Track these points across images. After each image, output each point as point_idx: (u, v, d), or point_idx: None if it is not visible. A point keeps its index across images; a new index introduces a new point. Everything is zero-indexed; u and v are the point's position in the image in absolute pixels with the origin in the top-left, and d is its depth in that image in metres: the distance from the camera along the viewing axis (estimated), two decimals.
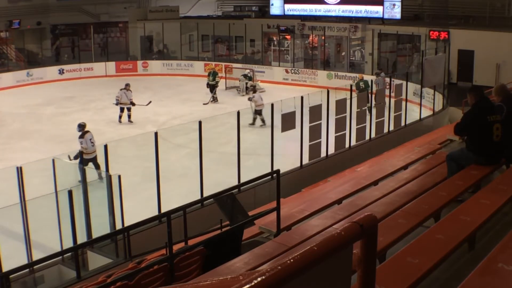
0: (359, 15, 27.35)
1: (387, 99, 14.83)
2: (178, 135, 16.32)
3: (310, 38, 28.92)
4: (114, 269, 6.68)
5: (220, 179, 11.24)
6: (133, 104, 19.33)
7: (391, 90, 15.41)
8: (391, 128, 15.05)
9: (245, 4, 34.70)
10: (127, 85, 19.67)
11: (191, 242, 6.05)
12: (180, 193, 10.67)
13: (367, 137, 14.05)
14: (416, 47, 24.67)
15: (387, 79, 18.20)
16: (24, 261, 7.67)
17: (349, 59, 27.28)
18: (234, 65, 27.85)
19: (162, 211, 8.90)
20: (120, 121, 19.29)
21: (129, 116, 19.43)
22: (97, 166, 12.53)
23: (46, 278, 7.98)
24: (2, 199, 9.06)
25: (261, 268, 3.31)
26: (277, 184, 6.05)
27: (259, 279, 1.56)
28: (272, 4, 30.59)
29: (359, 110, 13.88)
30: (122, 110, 19.41)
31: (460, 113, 14.03)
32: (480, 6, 24.66)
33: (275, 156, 11.61)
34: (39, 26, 31.01)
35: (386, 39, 26.38)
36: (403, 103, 15.64)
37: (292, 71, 26.87)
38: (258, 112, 18.04)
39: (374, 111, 14.99)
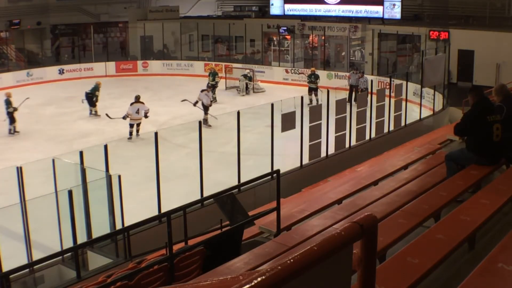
0: (359, 15, 27.35)
1: (387, 99, 14.83)
2: (178, 135, 16.32)
3: (310, 38, 28.92)
4: (114, 269, 6.68)
5: (220, 179, 11.23)
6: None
7: (391, 90, 15.41)
8: (391, 128, 15.05)
9: (245, 4, 34.69)
10: (209, 86, 19.30)
11: (191, 242, 6.05)
12: (180, 193, 10.66)
13: (367, 137, 14.05)
14: (416, 47, 24.66)
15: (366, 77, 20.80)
16: (24, 261, 7.66)
17: (349, 59, 27.28)
18: (234, 65, 27.85)
19: (162, 211, 8.90)
20: (206, 124, 17.38)
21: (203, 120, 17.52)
22: None
23: (46, 278, 7.98)
24: (2, 199, 9.07)
25: (261, 268, 3.31)
26: (277, 184, 6.05)
27: (259, 279, 1.56)
28: (272, 4, 30.59)
29: (359, 110, 13.91)
30: (206, 110, 18.22)
31: (460, 113, 14.03)
32: (480, 6, 24.66)
33: (275, 156, 11.60)
34: (39, 26, 31.01)
35: (386, 39, 26.37)
36: (403, 103, 15.64)
37: (292, 71, 26.87)
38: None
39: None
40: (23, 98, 18.80)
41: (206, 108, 18.53)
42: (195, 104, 18.69)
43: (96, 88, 20.32)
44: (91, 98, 20.24)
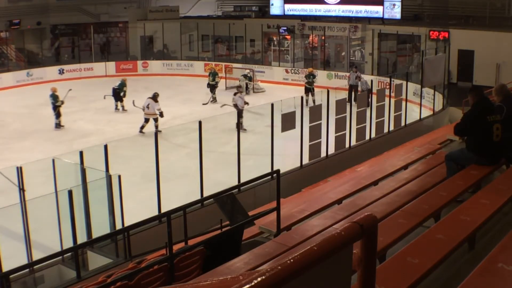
0: (359, 15, 27.35)
1: (387, 99, 14.84)
2: (178, 135, 16.32)
3: (310, 38, 28.92)
4: (114, 269, 6.68)
5: (220, 179, 11.23)
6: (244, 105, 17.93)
7: (391, 90, 15.42)
8: (391, 128, 15.05)
9: (245, 4, 34.69)
10: (239, 87, 19.69)
11: (191, 242, 6.04)
12: (180, 193, 10.66)
13: (367, 137, 14.05)
14: (416, 47, 24.66)
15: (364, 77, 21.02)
16: (24, 261, 7.66)
17: (349, 59, 27.27)
18: (234, 65, 27.86)
19: (162, 211, 8.90)
20: (241, 128, 16.90)
21: (239, 124, 17.29)
22: None
23: (46, 278, 7.98)
24: (2, 199, 9.06)
25: (261, 268, 3.31)
26: (277, 184, 6.05)
27: (259, 279, 1.56)
28: (272, 4, 30.59)
29: (359, 110, 13.91)
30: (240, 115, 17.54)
31: (460, 113, 14.03)
32: (480, 6, 24.66)
33: (275, 156, 11.60)
34: (39, 26, 31.00)
35: (386, 39, 26.38)
36: (403, 103, 15.64)
37: (292, 71, 26.87)
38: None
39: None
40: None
41: (240, 111, 17.69)
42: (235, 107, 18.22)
43: (123, 84, 20.76)
44: (119, 93, 20.66)
